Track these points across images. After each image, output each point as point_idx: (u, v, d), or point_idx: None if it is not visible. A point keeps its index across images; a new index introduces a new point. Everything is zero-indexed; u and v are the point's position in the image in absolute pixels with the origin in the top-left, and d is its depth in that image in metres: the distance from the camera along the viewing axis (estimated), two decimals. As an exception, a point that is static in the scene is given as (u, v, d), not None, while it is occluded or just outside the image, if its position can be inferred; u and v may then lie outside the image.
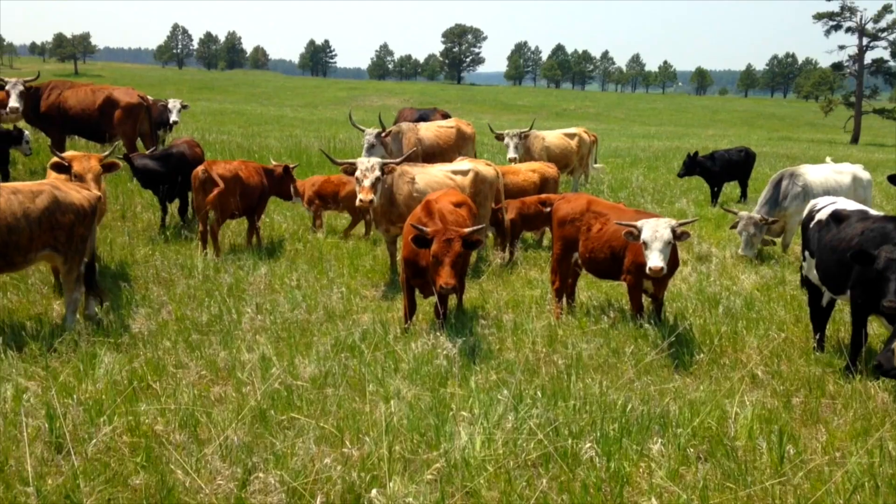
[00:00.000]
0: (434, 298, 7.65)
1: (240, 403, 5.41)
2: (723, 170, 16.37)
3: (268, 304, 8.07)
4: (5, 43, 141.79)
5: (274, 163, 11.63)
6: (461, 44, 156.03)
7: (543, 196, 11.15)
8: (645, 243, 7.03)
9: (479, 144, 22.84)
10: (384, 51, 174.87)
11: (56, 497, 4.14)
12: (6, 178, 12.98)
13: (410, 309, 7.72)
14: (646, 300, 7.93)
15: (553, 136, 15.84)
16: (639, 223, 7.17)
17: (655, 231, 6.99)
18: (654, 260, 6.92)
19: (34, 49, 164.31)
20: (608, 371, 6.61)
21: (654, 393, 6.08)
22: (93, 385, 5.65)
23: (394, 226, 9.58)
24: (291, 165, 11.45)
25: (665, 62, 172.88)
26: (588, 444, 4.85)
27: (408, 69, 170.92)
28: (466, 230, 7.10)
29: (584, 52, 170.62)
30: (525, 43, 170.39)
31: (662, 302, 7.94)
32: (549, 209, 9.76)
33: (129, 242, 10.45)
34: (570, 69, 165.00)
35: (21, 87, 13.99)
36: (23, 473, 4.30)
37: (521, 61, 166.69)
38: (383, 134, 13.80)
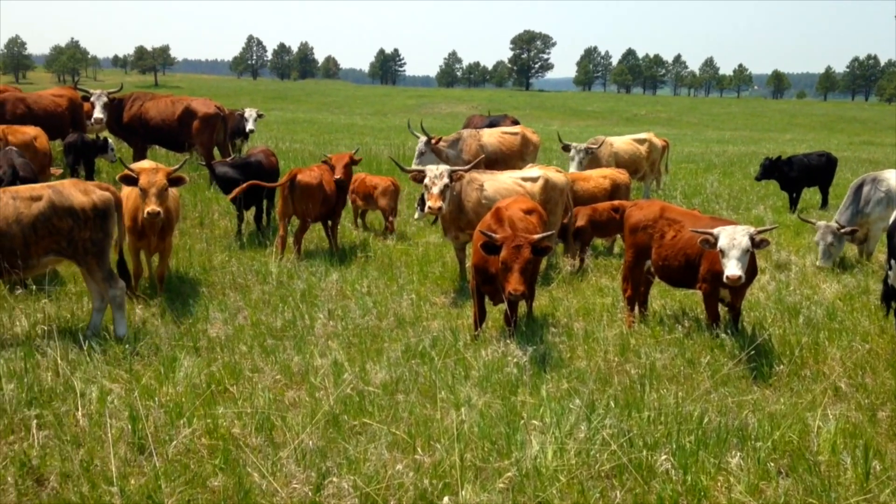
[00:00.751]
0: (504, 305, 7.62)
1: (313, 408, 5.49)
2: (802, 175, 15.84)
3: (339, 310, 8.17)
4: (89, 56, 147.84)
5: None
6: (530, 50, 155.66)
7: (615, 202, 11.00)
8: (722, 251, 6.86)
9: (548, 151, 22.75)
10: (453, 58, 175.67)
11: (139, 497, 4.28)
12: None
13: (480, 316, 7.71)
14: (722, 309, 7.73)
15: (622, 142, 15.62)
16: (715, 230, 7.00)
17: (733, 238, 6.81)
18: (732, 268, 6.74)
19: (116, 62, 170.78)
20: (683, 382, 6.47)
21: (732, 405, 5.92)
22: (173, 388, 5.82)
23: (462, 233, 9.60)
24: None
25: (740, 65, 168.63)
26: (664, 457, 4.76)
27: (476, 76, 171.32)
28: (536, 236, 7.05)
29: (656, 56, 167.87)
30: (595, 48, 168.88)
31: (740, 311, 7.73)
32: (621, 216, 9.63)
33: (206, 249, 10.74)
34: (640, 74, 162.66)
35: (105, 99, 14.60)
36: (107, 473, 4.46)
37: (591, 66, 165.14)
38: (434, 140, 13.85)
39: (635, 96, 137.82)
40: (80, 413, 5.22)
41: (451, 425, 5.17)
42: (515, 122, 18.79)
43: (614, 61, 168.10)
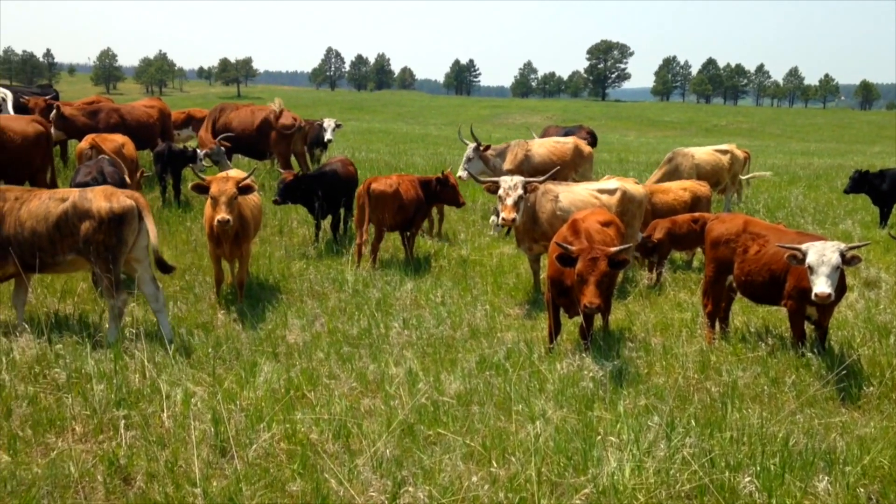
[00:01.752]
0: (579, 318, 7.54)
1: (389, 416, 5.52)
2: (894, 189, 15.16)
3: (414, 320, 8.22)
4: (176, 67, 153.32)
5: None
6: (606, 60, 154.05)
7: (696, 215, 10.76)
8: (810, 267, 6.62)
9: (624, 162, 22.44)
10: (528, 68, 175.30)
11: (221, 499, 4.38)
12: (178, 196, 13.98)
13: (555, 329, 7.63)
14: (808, 327, 7.46)
15: (703, 153, 15.27)
16: (803, 246, 6.76)
17: (822, 255, 6.57)
18: (821, 286, 6.49)
19: (201, 73, 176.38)
20: (767, 402, 6.26)
21: (819, 427, 5.69)
22: (253, 392, 5.94)
23: (536, 244, 9.54)
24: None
25: (826, 75, 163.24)
26: (747, 479, 4.60)
27: (551, 86, 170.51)
28: (613, 249, 6.95)
29: (738, 65, 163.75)
30: (674, 57, 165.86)
31: (827, 330, 7.43)
32: (701, 229, 9.41)
33: (285, 256, 10.98)
34: (721, 83, 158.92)
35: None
36: (190, 474, 4.58)
37: (669, 76, 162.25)
38: (483, 148, 13.76)
39: (716, 106, 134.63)
40: (165, 414, 5.39)
41: (526, 439, 5.14)
42: (591, 133, 18.64)
43: (694, 71, 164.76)
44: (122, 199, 7.21)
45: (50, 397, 5.68)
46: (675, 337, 7.85)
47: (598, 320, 7.94)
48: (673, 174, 14.26)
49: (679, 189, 12.03)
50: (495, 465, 4.83)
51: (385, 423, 5.39)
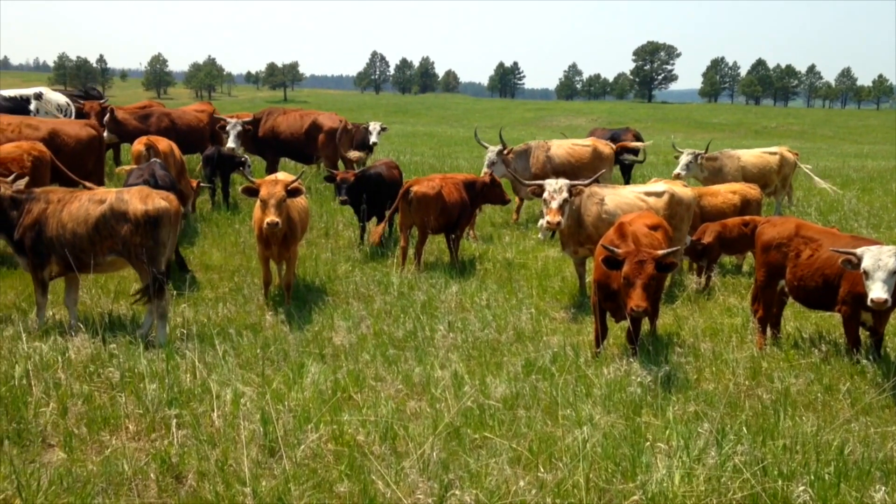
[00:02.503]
0: (626, 323, 7.46)
1: (435, 419, 5.53)
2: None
3: (459, 323, 8.22)
4: (224, 72, 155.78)
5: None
6: (653, 61, 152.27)
7: (747, 218, 10.56)
8: (866, 272, 6.45)
9: (671, 165, 22.09)
10: (572, 71, 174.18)
11: (270, 499, 4.43)
12: (227, 199, 14.21)
13: (602, 333, 7.56)
14: (863, 333, 7.27)
15: (750, 155, 14.92)
16: (858, 250, 6.59)
17: (879, 259, 6.40)
18: (877, 291, 6.33)
19: (249, 78, 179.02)
20: (821, 409, 6.12)
21: (875, 436, 5.55)
22: (300, 393, 5.99)
23: (582, 247, 9.48)
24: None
25: (880, 76, 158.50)
26: (801, 488, 4.50)
27: (596, 88, 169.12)
28: (660, 252, 6.86)
29: (788, 66, 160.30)
30: (722, 58, 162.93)
31: (882, 336, 7.24)
32: (751, 232, 9.24)
33: (331, 259, 11.07)
34: (771, 84, 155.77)
35: (239, 128, 15.22)
36: (240, 474, 4.64)
37: (718, 77, 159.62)
38: (506, 151, 13.64)
39: (765, 108, 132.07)
40: (215, 414, 5.47)
41: (573, 444, 5.09)
42: (637, 136, 18.42)
43: (743, 72, 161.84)
44: (158, 200, 7.34)
45: (104, 396, 5.81)
46: (725, 342, 7.73)
47: (645, 325, 7.85)
48: (716, 176, 14.00)
49: (728, 192, 11.83)
50: (542, 470, 4.80)
51: (431, 425, 5.39)
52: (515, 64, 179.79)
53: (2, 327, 7.10)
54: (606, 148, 14.90)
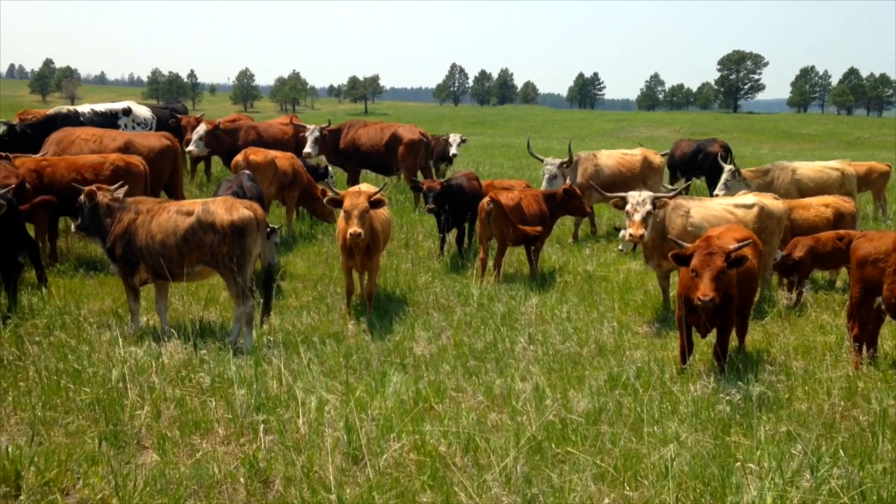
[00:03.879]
0: (712, 338, 7.27)
1: (516, 432, 5.49)
2: None
3: (539, 335, 8.16)
4: (308, 86, 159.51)
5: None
6: (739, 70, 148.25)
7: (840, 232, 10.16)
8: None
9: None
10: (654, 81, 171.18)
11: (354, 506, 4.48)
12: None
13: (688, 348, 7.37)
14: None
15: (808, 168, 14.14)
16: None
17: None
18: None
19: (331, 91, 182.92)
20: (924, 434, 5.80)
21: None
22: (383, 402, 6.06)
23: (665, 260, 9.25)
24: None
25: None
26: (903, 516, 4.28)
27: (679, 99, 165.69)
28: (730, 246, 6.71)
29: (882, 75, 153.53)
30: (812, 67, 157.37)
31: None
32: (847, 247, 8.88)
33: (412, 269, 11.15)
34: (864, 94, 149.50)
35: (317, 134, 15.64)
36: (325, 480, 4.71)
37: (807, 87, 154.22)
38: (565, 165, 13.36)
39: (858, 118, 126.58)
40: (300, 420, 5.58)
41: (659, 462, 4.98)
42: (724, 147, 17.96)
43: (834, 81, 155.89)
44: (242, 210, 7.54)
45: (195, 400, 5.99)
46: (819, 361, 7.43)
47: (733, 341, 7.62)
48: (766, 189, 13.29)
49: (820, 205, 11.40)
50: (628, 487, 4.71)
51: (513, 438, 5.36)
52: (595, 75, 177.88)
53: (100, 332, 7.41)
54: (656, 157, 14.60)
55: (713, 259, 6.57)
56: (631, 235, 8.88)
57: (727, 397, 6.15)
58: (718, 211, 9.48)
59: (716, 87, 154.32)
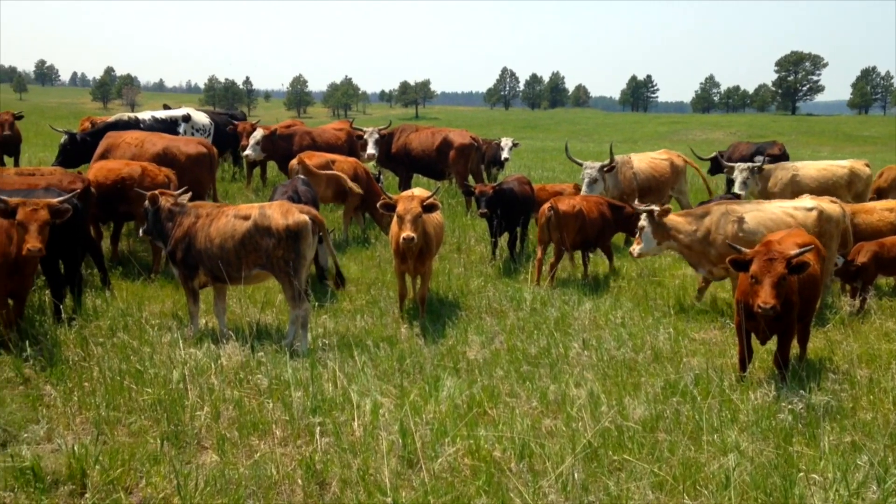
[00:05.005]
0: (772, 345, 7.10)
1: (572, 438, 5.45)
2: None
3: (593, 341, 8.07)
4: (360, 91, 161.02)
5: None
6: (797, 72, 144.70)
7: (907, 237, 9.85)
8: None
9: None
10: (709, 83, 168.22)
11: (410, 509, 4.50)
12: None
13: (747, 355, 7.22)
14: None
15: (812, 168, 13.34)
16: None
17: None
18: None
19: (383, 96, 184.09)
20: None
21: None
22: (436, 406, 6.06)
23: (716, 267, 9.18)
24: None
25: None
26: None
27: (735, 101, 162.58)
28: (791, 252, 6.55)
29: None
30: (873, 68, 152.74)
31: None
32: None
33: (464, 273, 11.15)
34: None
35: (377, 136, 15.84)
36: (381, 484, 4.74)
37: (868, 88, 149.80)
38: (606, 168, 13.02)
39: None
40: (356, 423, 5.62)
41: (718, 471, 4.88)
42: (782, 150, 17.59)
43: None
44: (298, 214, 7.64)
45: (253, 402, 6.09)
46: (884, 369, 7.21)
47: (794, 348, 7.44)
48: (763, 192, 12.89)
49: (884, 209, 11.06)
50: (687, 497, 4.63)
51: (568, 444, 5.32)
52: (649, 77, 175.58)
53: (161, 334, 7.58)
54: (680, 160, 14.32)
55: (774, 265, 6.43)
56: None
57: (789, 406, 6.01)
58: (776, 214, 9.29)
59: (773, 88, 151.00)
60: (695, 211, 9.77)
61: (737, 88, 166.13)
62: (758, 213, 9.34)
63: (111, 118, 15.37)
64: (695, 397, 6.34)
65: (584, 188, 12.85)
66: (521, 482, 4.75)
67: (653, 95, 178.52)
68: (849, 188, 13.36)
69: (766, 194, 12.74)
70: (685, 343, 8.23)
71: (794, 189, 12.85)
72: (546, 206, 10.77)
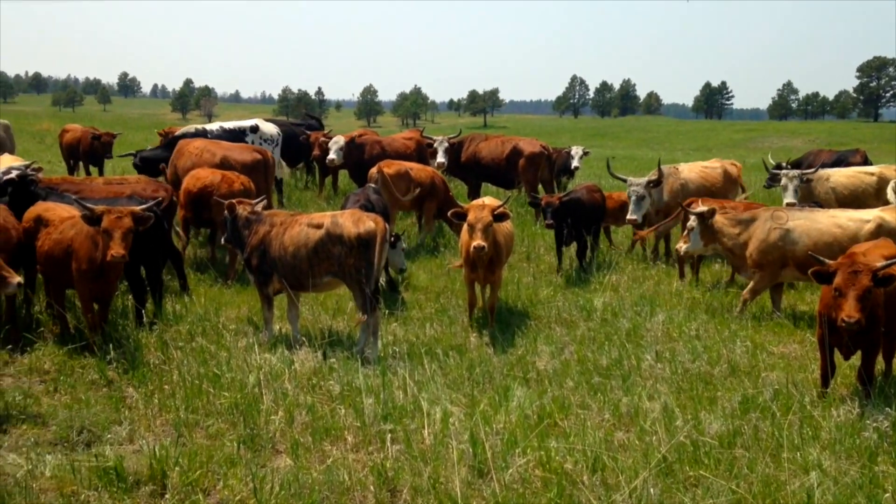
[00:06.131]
0: (856, 360, 6.83)
1: (645, 452, 5.35)
2: None
3: (667, 353, 7.91)
4: (429, 101, 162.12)
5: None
6: (880, 77, 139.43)
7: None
8: None
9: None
10: (787, 89, 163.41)
11: (481, 519, 4.48)
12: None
13: (830, 370, 6.96)
14: None
15: (841, 175, 13.15)
16: None
17: None
18: None
19: (451, 105, 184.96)
20: None
21: None
22: (506, 416, 6.04)
23: (759, 272, 9.36)
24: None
25: None
26: None
27: (814, 108, 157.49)
28: (878, 264, 6.28)
29: None
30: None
31: None
32: None
33: (533, 283, 11.09)
34: None
35: (446, 144, 15.92)
36: (451, 492, 4.74)
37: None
38: (652, 184, 12.53)
39: None
40: (426, 431, 5.64)
41: (799, 490, 4.72)
42: (865, 158, 16.95)
43: None
44: (369, 223, 7.74)
45: (325, 407, 6.18)
46: (978, 388, 6.84)
47: (879, 363, 7.14)
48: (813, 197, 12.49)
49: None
50: (766, 516, 4.49)
51: (642, 459, 5.22)
52: (723, 83, 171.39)
53: (237, 339, 7.78)
54: (733, 168, 13.87)
55: (859, 278, 6.18)
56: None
57: (874, 424, 5.78)
58: (825, 225, 9.19)
59: (854, 94, 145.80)
60: (741, 215, 9.78)
61: (816, 95, 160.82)
62: (804, 221, 9.29)
63: (179, 130, 15.84)
64: (774, 413, 6.15)
65: (631, 206, 12.44)
66: (593, 496, 4.69)
67: (727, 102, 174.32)
68: (877, 195, 12.89)
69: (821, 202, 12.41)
70: (763, 357, 7.99)
71: (836, 198, 12.73)
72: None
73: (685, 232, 9.83)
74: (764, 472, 5.11)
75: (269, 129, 16.46)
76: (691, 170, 13.60)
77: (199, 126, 16.11)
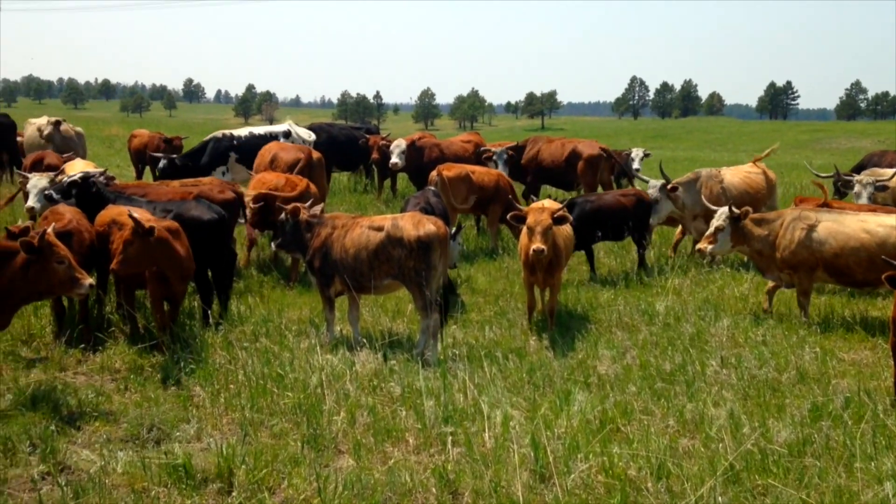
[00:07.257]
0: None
1: (711, 460, 5.24)
2: None
3: (732, 359, 7.74)
4: (486, 103, 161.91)
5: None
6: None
7: None
8: None
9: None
10: (855, 89, 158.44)
11: (543, 524, 4.45)
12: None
13: (904, 379, 6.73)
14: None
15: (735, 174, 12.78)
16: None
17: None
18: None
19: (508, 107, 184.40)
20: None
21: None
22: (567, 421, 5.99)
23: (785, 273, 9.35)
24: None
25: None
26: None
27: (884, 107, 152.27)
28: None
29: None
30: None
31: None
32: None
33: (592, 286, 10.99)
34: None
35: (505, 157, 15.83)
36: (513, 496, 4.73)
37: None
38: (669, 186, 12.12)
39: None
40: (486, 434, 5.63)
41: (874, 500, 4.57)
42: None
43: None
44: (429, 226, 7.80)
45: (386, 409, 6.23)
46: None
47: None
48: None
49: None
50: (840, 527, 4.36)
51: (708, 466, 5.12)
52: (788, 83, 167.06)
53: (299, 340, 7.90)
54: (770, 173, 13.49)
55: None
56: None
57: (954, 435, 5.55)
58: (852, 229, 8.97)
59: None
60: (768, 215, 9.77)
61: (886, 94, 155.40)
62: (832, 223, 9.12)
63: (208, 137, 16.01)
64: (846, 422, 5.96)
65: (652, 216, 12.24)
66: (658, 503, 4.61)
67: (793, 102, 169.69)
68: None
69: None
70: (833, 363, 7.76)
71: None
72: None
73: (711, 232, 9.63)
74: (836, 481, 4.95)
75: (302, 133, 16.62)
76: (734, 174, 13.15)
77: (227, 132, 16.17)
